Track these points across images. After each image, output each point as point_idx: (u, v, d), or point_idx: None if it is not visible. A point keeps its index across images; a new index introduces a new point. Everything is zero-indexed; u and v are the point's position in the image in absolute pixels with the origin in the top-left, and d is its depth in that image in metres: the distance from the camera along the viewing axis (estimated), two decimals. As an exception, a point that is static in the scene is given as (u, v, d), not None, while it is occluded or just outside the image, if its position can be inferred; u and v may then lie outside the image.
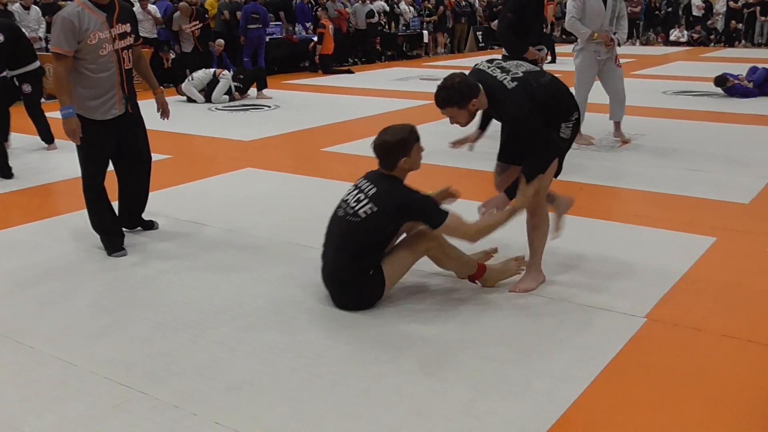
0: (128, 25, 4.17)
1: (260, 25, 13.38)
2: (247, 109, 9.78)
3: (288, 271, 3.95)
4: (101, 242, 4.30)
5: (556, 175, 3.70)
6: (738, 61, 15.39)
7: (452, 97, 3.41)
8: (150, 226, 4.65)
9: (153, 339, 3.17)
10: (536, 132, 3.40)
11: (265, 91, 10.88)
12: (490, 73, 3.51)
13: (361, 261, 3.37)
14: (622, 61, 7.33)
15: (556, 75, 3.66)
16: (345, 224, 3.37)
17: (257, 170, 6.34)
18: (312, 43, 14.59)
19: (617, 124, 7.27)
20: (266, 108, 9.93)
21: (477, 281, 3.67)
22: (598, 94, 7.37)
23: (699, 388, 2.77)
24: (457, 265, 3.59)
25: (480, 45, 20.21)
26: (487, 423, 2.53)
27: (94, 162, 4.22)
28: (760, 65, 11.05)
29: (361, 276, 3.39)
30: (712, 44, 21.24)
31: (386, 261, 3.43)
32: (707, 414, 2.60)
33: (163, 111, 4.53)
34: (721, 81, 10.41)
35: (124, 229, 4.48)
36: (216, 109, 9.70)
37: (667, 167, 6.23)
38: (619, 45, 6.97)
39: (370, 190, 3.38)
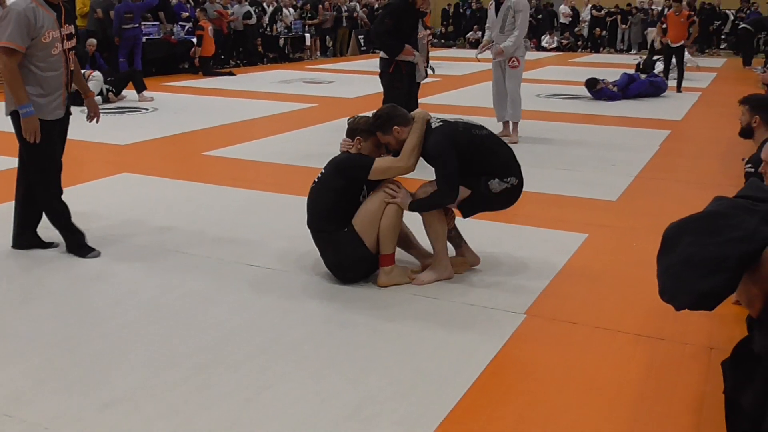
0: (72, 26, 4.09)
1: (136, 25, 12.84)
2: (123, 112, 9.37)
3: (166, 279, 3.80)
4: (66, 241, 4.19)
5: (465, 215, 3.86)
6: (603, 66, 16.24)
7: (374, 123, 3.77)
8: (49, 246, 4.30)
9: (18, 357, 2.95)
10: (443, 169, 3.65)
11: (145, 93, 10.45)
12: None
13: (329, 220, 3.68)
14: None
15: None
16: (311, 190, 3.79)
17: (134, 175, 6.08)
18: (192, 49, 14.15)
19: (506, 124, 7.68)
20: (144, 111, 9.56)
21: (380, 269, 3.72)
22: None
23: (575, 378, 2.87)
24: (382, 238, 3.66)
25: (362, 48, 20.34)
26: (375, 426, 2.51)
27: (50, 159, 4.05)
28: (631, 71, 11.71)
29: (336, 234, 3.66)
30: (580, 50, 22.33)
31: (356, 216, 3.69)
32: (582, 401, 2.70)
33: (95, 114, 4.42)
34: (591, 83, 10.99)
35: (15, 249, 4.21)
36: (89, 112, 9.22)
37: (542, 167, 6.46)
38: (503, 52, 7.42)
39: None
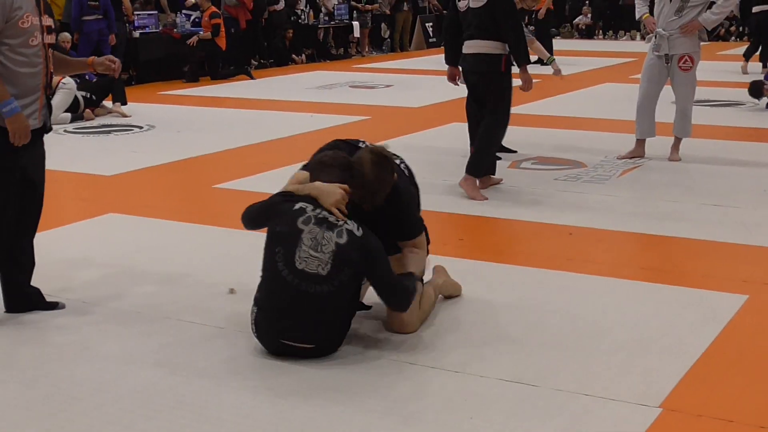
0: (51, 19, 4.26)
1: (100, 16, 12.87)
2: (108, 132, 9.66)
3: (166, 356, 3.89)
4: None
5: None
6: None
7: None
8: (53, 307, 4.41)
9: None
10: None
11: (123, 107, 10.68)
12: None
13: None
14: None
15: None
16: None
17: (123, 216, 6.24)
18: (193, 38, 14.18)
19: (639, 143, 7.90)
20: (135, 129, 9.84)
21: None
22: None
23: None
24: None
25: (430, 40, 20.45)
26: None
27: (5, 187, 4.14)
28: None
29: None
30: (733, 38, 22.07)
31: None
32: None
33: None
34: (755, 90, 10.62)
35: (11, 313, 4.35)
36: (64, 131, 9.54)
37: (680, 201, 6.40)
38: (702, 37, 7.41)
39: None
